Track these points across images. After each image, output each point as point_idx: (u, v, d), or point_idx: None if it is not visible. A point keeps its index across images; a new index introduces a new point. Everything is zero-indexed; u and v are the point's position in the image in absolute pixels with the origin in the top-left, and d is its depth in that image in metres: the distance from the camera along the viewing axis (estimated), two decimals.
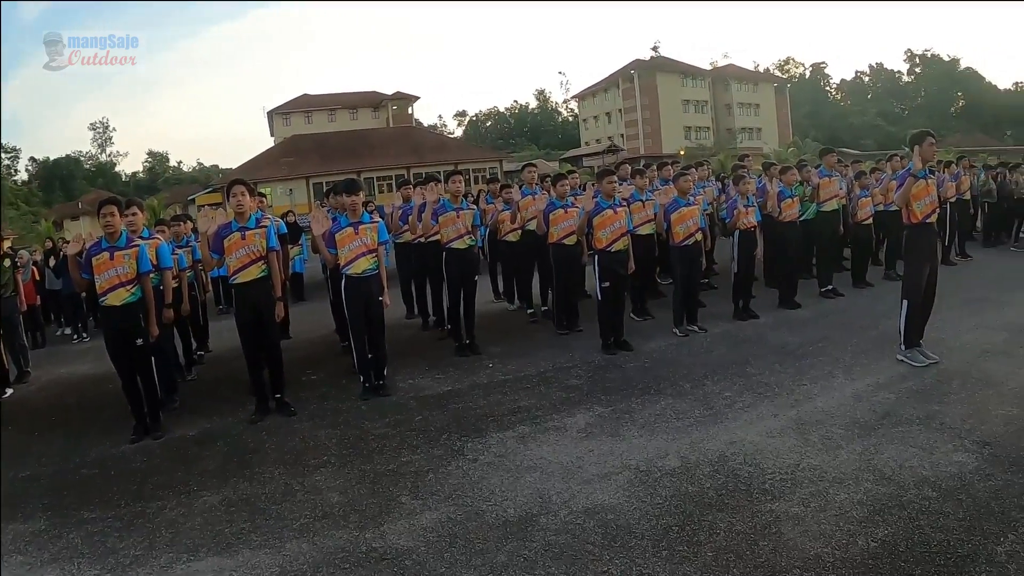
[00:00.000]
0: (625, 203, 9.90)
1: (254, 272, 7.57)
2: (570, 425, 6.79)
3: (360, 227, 7.99)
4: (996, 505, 4.78)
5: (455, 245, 9.47)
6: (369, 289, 8.00)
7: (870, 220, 12.78)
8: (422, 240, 10.34)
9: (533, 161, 13.07)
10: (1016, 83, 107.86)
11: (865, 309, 10.92)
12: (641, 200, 10.63)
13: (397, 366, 9.09)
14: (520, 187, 11.61)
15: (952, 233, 15.01)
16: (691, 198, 9.98)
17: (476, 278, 9.76)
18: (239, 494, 5.87)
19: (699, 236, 9.88)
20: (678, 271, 9.93)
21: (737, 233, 10.38)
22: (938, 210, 8.46)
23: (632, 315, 10.83)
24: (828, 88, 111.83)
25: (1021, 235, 17.99)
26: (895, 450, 5.74)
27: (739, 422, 6.57)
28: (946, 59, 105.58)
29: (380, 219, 8.65)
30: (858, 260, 12.96)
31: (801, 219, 11.71)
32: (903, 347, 8.09)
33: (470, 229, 9.49)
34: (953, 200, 14.92)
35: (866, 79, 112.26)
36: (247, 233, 7.54)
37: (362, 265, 7.95)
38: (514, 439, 6.55)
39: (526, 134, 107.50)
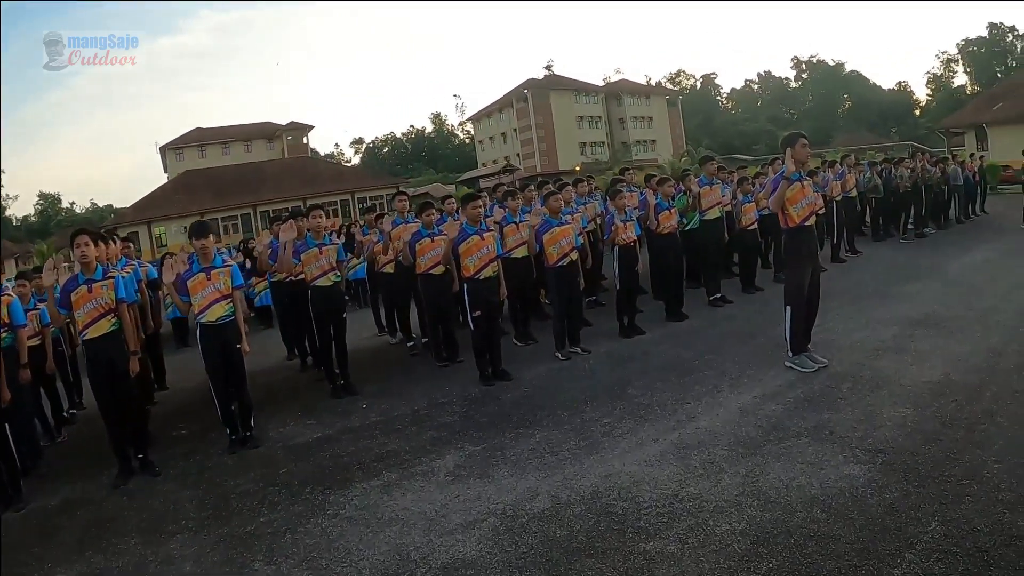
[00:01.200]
0: (496, 226, 9.56)
1: (104, 326, 7.04)
2: (438, 468, 6.28)
3: (212, 272, 7.42)
4: (891, 521, 4.45)
5: (319, 283, 8.89)
6: (226, 337, 7.41)
7: (755, 225, 12.69)
8: (293, 279, 9.72)
9: (405, 189, 12.38)
10: (899, 82, 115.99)
11: (754, 315, 10.73)
12: (515, 222, 10.19)
13: (269, 413, 8.57)
14: (392, 216, 11.05)
15: (840, 230, 15.34)
16: (564, 217, 9.62)
17: (345, 315, 9.19)
18: (93, 569, 5.35)
19: (574, 256, 9.46)
20: (555, 293, 9.53)
21: (616, 249, 10.04)
22: (822, 210, 8.24)
23: (515, 340, 10.48)
24: (719, 97, 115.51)
25: (909, 227, 18.47)
26: (782, 468, 5.38)
27: (617, 451, 6.11)
28: (831, 64, 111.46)
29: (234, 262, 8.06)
30: (746, 266, 12.86)
31: (686, 228, 11.55)
32: (791, 353, 7.86)
33: (334, 265, 8.93)
34: (839, 198, 15.18)
35: (755, 87, 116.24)
36: (94, 285, 7.04)
37: (216, 312, 7.37)
38: (378, 488, 6.02)
39: (423, 158, 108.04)
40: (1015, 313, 9.52)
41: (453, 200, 12.51)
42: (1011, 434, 5.61)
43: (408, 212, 11.24)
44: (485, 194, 12.65)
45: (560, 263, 9.29)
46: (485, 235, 8.82)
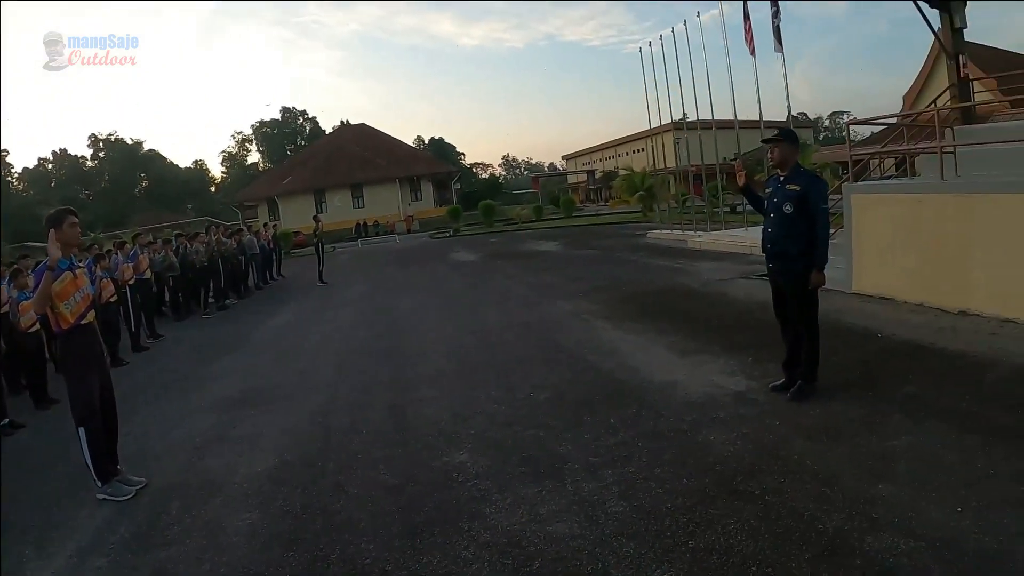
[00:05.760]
0: None
1: None
2: None
3: None
4: None
5: None
6: None
7: (37, 326, 10.58)
8: None
9: None
10: (195, 161, 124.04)
11: (53, 439, 8.50)
12: None
13: None
14: None
15: (138, 317, 14.60)
16: None
17: None
18: None
19: None
20: None
21: None
22: (113, 297, 6.85)
23: None
24: (11, 178, 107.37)
25: (211, 301, 19.02)
26: None
27: None
28: (130, 142, 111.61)
29: None
30: (34, 376, 10.55)
31: None
32: (99, 483, 6.34)
33: None
34: (132, 282, 14.42)
35: (50, 166, 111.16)
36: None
37: None
38: None
39: None
40: (330, 369, 9.67)
41: None
42: (370, 505, 5.21)
43: None
44: None
45: None
46: None
